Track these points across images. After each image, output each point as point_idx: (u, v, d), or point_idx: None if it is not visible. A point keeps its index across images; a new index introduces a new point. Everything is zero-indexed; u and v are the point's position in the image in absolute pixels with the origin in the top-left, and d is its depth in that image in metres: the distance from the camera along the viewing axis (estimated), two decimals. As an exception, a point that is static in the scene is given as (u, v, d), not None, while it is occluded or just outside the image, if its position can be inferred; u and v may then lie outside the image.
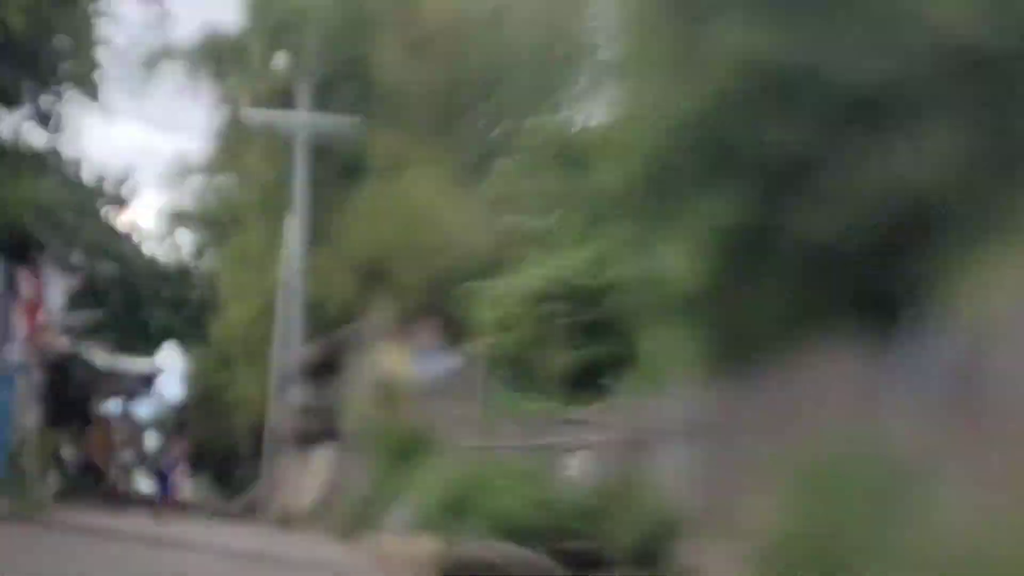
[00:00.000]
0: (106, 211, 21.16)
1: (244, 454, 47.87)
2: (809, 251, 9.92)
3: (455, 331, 32.79)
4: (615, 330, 19.62)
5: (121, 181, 20.87)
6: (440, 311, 33.38)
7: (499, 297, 25.78)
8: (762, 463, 10.59)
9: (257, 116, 39.48)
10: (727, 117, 10.16)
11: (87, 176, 20.36)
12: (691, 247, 10.82)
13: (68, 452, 19.93)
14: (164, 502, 21.01)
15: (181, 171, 52.63)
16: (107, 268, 19.94)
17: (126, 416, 25.19)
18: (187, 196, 52.35)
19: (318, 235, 38.85)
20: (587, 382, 20.85)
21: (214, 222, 50.24)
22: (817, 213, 9.46)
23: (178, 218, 44.83)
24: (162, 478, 20.99)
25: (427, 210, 35.89)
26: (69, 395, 21.69)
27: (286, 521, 32.00)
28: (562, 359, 21.51)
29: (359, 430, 28.81)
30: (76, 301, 19.74)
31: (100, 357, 22.47)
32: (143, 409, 31.93)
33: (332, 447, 33.02)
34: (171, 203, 50.06)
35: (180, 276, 21.86)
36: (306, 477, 34.88)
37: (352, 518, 25.00)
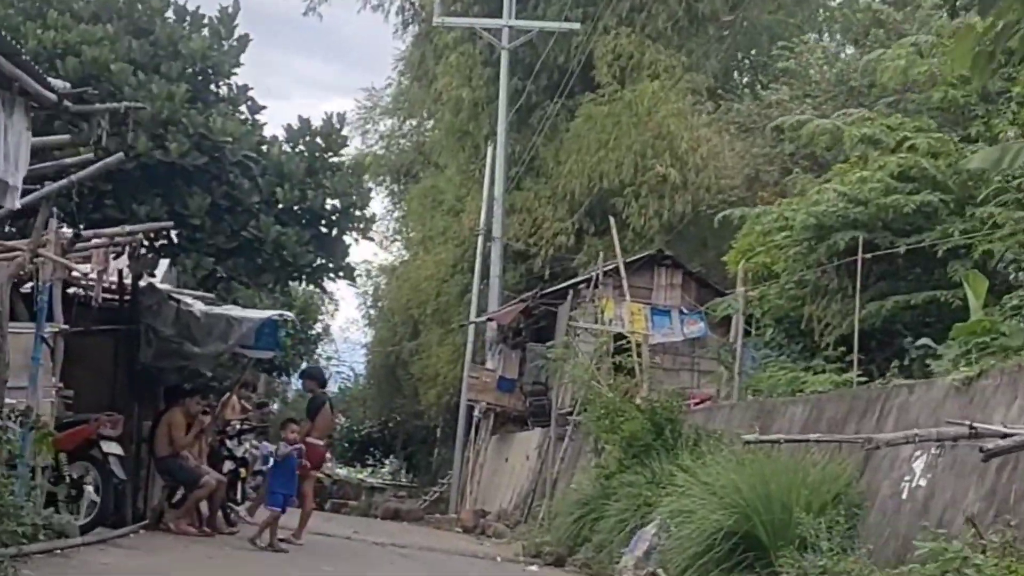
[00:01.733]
0: (196, 69, 12.95)
1: (438, 436, 41.23)
2: None
3: (701, 284, 25.48)
4: (940, 269, 15.53)
5: (226, 24, 12.77)
6: (682, 259, 26.13)
7: (764, 232, 18.32)
8: None
9: (453, 23, 32.19)
10: None
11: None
12: None
13: (114, 449, 12.31)
14: (275, 512, 13.18)
15: (368, 114, 46.44)
16: (191, 156, 11.81)
17: (241, 390, 17.60)
18: (375, 143, 46.38)
19: (526, 168, 31.49)
20: (890, 344, 15.88)
21: (405, 171, 43.85)
22: None
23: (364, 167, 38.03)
24: (282, 478, 13.15)
25: (665, 133, 28.21)
26: (137, 361, 14.04)
27: (476, 527, 24.72)
28: (855, 312, 15.30)
29: (577, 411, 21.52)
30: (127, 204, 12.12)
31: (189, 301, 14.77)
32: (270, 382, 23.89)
33: (540, 432, 25.65)
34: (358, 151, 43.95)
35: (309, 175, 13.36)
36: (505, 470, 27.53)
37: (567, 533, 17.41)
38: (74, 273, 11.43)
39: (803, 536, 11.08)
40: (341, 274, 14.89)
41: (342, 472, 57.42)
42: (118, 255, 12.50)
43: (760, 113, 25.29)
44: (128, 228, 11.81)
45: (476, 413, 29.93)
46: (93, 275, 11.81)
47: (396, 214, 48.24)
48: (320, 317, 42.81)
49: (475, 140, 33.74)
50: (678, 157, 28.25)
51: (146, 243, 13.33)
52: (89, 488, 12.05)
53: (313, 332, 38.49)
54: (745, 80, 33.49)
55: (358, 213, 14.43)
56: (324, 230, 14.28)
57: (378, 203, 46.83)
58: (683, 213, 28.23)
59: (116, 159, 10.60)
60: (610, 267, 25.14)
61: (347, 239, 14.58)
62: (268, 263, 13.60)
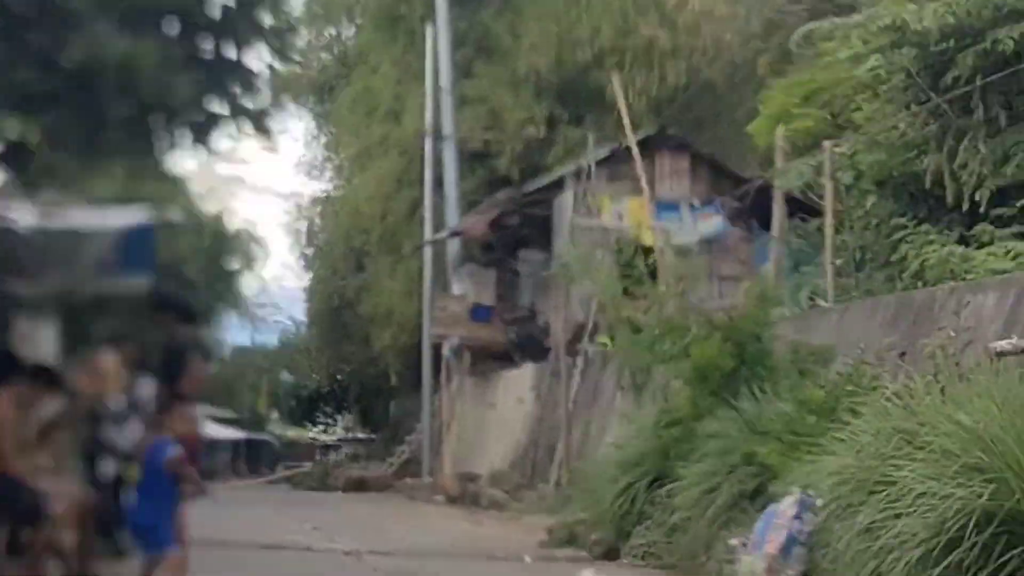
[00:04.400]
0: None
1: (397, 385, 35.70)
2: None
3: (714, 168, 20.45)
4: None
5: None
6: (689, 139, 21.05)
7: (853, 57, 14.03)
8: None
9: None
10: None
11: None
12: None
13: None
14: (160, 550, 7.30)
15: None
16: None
17: (107, 351, 11.49)
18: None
19: (476, 49, 25.87)
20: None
21: (328, 88, 37.87)
22: None
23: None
24: (158, 500, 7.35)
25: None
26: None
27: (463, 495, 19.55)
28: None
29: (586, 337, 16.39)
30: None
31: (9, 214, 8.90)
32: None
33: (534, 369, 20.44)
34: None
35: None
36: (491, 420, 22.21)
37: (614, 509, 12.18)
38: None
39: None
40: (246, 120, 8.64)
41: (291, 433, 52.09)
42: None
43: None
44: None
45: (445, 352, 24.48)
46: None
47: (323, 140, 42.33)
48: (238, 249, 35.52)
49: (409, 24, 28.17)
50: (667, 16, 22.98)
51: None
52: None
53: (232, 267, 31.74)
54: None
55: (268, 18, 8.38)
56: (208, 47, 8.19)
57: (300, 129, 40.53)
58: (675, 86, 23.05)
59: None
60: (602, 157, 19.98)
61: (253, 63, 8.59)
62: (112, 110, 7.41)
